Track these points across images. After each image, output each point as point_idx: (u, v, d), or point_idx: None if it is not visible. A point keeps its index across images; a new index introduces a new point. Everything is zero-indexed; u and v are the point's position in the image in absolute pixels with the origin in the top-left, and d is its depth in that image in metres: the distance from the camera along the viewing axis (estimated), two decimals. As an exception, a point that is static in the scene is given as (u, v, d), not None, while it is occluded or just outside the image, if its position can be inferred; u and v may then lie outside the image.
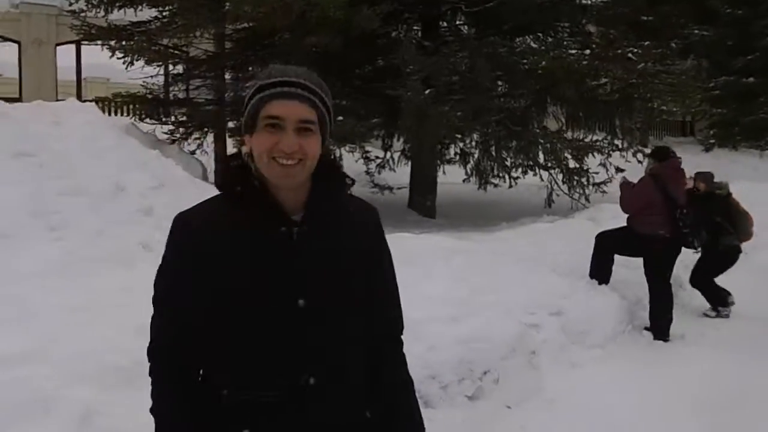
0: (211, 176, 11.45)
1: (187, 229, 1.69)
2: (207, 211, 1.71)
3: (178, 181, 7.45)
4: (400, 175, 14.03)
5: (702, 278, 7.93)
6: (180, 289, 1.67)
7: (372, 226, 1.84)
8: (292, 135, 1.62)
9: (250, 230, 1.65)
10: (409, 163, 13.93)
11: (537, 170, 13.56)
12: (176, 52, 11.65)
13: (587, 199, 13.40)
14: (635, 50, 12.08)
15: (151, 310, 1.75)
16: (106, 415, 3.38)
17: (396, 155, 14.42)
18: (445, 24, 13.59)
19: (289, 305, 1.65)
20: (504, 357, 4.76)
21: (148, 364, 1.74)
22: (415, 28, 13.69)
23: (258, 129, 1.65)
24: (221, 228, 1.66)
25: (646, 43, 12.33)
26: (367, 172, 13.31)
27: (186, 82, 12.95)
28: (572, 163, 13.32)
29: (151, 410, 1.71)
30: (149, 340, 1.74)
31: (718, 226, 7.79)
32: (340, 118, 10.67)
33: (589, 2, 14.07)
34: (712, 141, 22.97)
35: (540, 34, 13.30)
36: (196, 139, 12.35)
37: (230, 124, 11.98)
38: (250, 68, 11.93)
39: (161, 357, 1.72)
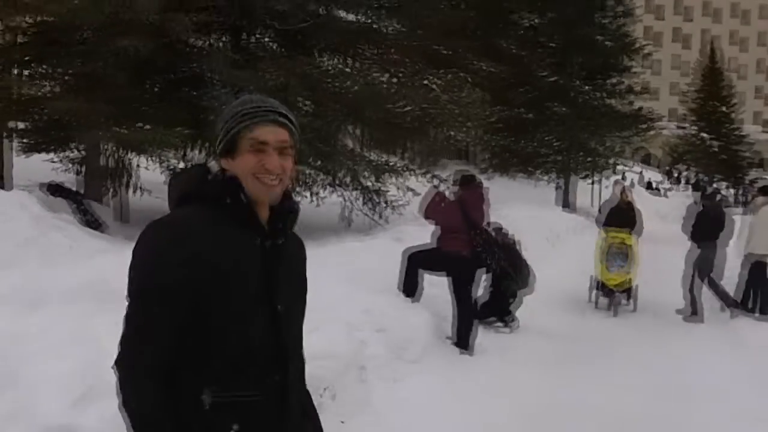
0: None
1: (182, 232, 1.76)
2: (192, 219, 1.80)
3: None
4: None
5: (484, 311, 8.53)
6: (175, 293, 1.72)
7: (304, 250, 2.09)
8: (275, 156, 1.81)
9: (237, 239, 1.80)
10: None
11: (337, 189, 13.93)
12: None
13: (385, 219, 13.97)
14: (435, 80, 12.86)
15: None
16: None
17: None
18: (254, 39, 13.55)
19: (271, 310, 1.83)
20: (340, 373, 4.90)
21: (124, 373, 1.74)
22: (223, 40, 13.50)
23: (241, 151, 1.82)
24: (211, 235, 1.77)
25: (448, 76, 13.17)
26: (168, 182, 12.84)
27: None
28: (371, 184, 13.86)
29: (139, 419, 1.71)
30: (129, 346, 1.74)
31: (504, 271, 8.52)
32: (148, 126, 10.28)
33: (388, 30, 14.75)
34: (484, 167, 24.92)
35: (349, 59, 13.71)
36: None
37: (20, 125, 11.06)
38: (44, 66, 11.09)
39: (149, 363, 1.72)
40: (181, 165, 13.81)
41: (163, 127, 10.55)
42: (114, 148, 11.90)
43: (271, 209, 1.88)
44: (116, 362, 1.74)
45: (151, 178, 12.96)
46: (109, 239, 8.92)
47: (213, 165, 1.89)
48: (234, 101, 1.93)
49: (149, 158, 12.25)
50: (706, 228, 10.01)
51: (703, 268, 9.97)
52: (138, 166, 12.57)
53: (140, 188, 12.47)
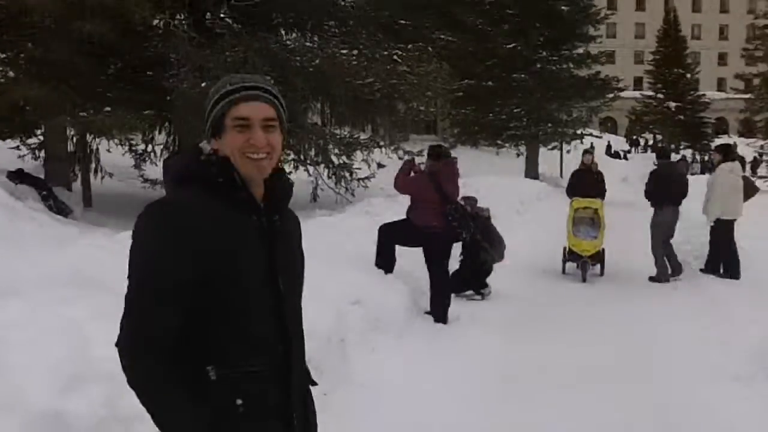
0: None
1: (182, 215, 1.77)
2: (187, 202, 1.80)
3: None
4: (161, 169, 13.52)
5: (460, 284, 8.65)
6: (176, 292, 1.73)
7: (299, 225, 2.09)
8: (260, 132, 1.82)
9: (234, 219, 1.81)
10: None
11: (305, 165, 13.90)
12: None
13: (352, 194, 13.99)
14: (398, 53, 12.84)
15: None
16: None
17: (158, 148, 13.87)
18: (213, 16, 13.35)
19: (272, 285, 1.86)
20: (322, 346, 4.96)
21: (127, 353, 1.74)
22: (182, 18, 13.29)
23: (227, 130, 1.83)
24: (210, 215, 1.78)
25: (409, 46, 13.15)
26: (136, 166, 12.71)
27: None
28: (339, 159, 13.84)
29: (151, 404, 1.73)
30: (131, 327, 1.74)
31: (478, 244, 8.64)
32: (111, 109, 10.14)
33: (346, 3, 14.61)
34: (452, 139, 24.99)
35: (309, 33, 13.59)
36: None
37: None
38: (5, 53, 10.84)
39: (156, 346, 1.73)
40: (146, 147, 13.66)
41: (127, 110, 10.41)
42: (77, 133, 11.73)
43: (265, 187, 1.89)
44: (118, 343, 1.75)
45: (114, 162, 12.82)
46: (78, 225, 8.84)
47: (205, 146, 1.89)
48: (219, 81, 1.92)
49: (113, 142, 12.07)
50: (662, 189, 10.14)
51: (666, 233, 10.15)
52: (98, 149, 12.41)
53: (103, 172, 12.33)
